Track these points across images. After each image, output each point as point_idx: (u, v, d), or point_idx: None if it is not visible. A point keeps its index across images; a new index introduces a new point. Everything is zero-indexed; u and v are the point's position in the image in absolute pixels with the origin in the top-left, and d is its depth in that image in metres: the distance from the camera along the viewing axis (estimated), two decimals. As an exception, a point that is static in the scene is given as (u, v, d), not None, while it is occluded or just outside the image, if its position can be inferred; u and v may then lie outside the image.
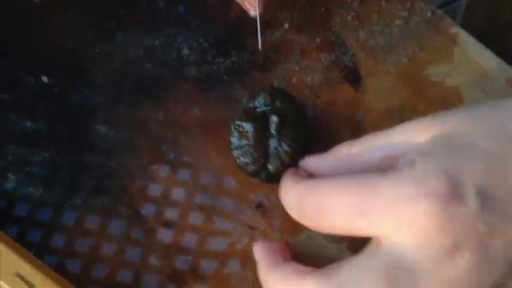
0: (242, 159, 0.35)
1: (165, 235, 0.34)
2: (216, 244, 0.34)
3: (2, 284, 0.29)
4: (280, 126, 0.35)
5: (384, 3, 0.44)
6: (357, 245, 0.30)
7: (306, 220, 0.29)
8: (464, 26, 0.43)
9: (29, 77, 0.41)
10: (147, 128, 0.39)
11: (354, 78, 0.41)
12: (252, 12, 0.41)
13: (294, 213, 0.30)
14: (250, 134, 0.35)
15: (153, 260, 0.33)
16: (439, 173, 0.27)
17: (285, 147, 0.34)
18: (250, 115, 0.36)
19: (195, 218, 0.35)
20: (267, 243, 0.32)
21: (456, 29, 0.42)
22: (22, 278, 0.29)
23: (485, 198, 0.27)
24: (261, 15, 0.40)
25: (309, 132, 0.37)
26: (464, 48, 0.41)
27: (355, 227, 0.28)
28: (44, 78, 0.41)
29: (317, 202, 0.29)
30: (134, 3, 0.45)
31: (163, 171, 0.37)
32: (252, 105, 0.36)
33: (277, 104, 0.36)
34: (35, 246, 0.33)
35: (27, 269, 0.29)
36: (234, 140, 0.35)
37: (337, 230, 0.29)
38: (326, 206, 0.28)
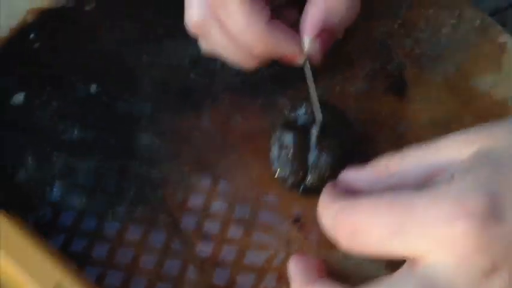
0: (281, 171, 0.35)
1: (203, 248, 0.35)
2: (253, 258, 0.34)
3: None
4: (321, 138, 0.35)
5: (431, 10, 0.43)
6: (394, 262, 0.29)
7: (341, 240, 0.29)
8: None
9: (77, 86, 0.42)
10: (190, 137, 0.40)
11: (398, 87, 0.40)
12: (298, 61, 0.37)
13: (330, 233, 0.30)
14: (290, 145, 0.35)
15: (190, 273, 0.34)
16: (477, 191, 0.27)
17: (325, 159, 0.34)
18: (291, 126, 0.36)
19: (234, 231, 0.35)
20: (303, 258, 0.32)
21: (506, 38, 0.41)
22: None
23: (525, 218, 0.26)
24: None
25: (351, 144, 0.37)
26: (514, 57, 0.40)
27: (390, 248, 0.28)
28: (93, 87, 0.42)
29: (352, 223, 0.29)
30: (181, 12, 0.46)
31: (204, 182, 0.37)
32: (293, 116, 0.36)
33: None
34: (78, 256, 0.34)
35: (67, 282, 0.30)
36: (274, 151, 0.35)
37: (372, 252, 0.29)
38: (361, 227, 0.28)
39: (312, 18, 0.36)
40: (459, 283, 0.26)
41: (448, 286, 0.26)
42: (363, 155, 0.37)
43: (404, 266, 0.28)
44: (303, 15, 0.36)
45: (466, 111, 0.38)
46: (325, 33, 0.36)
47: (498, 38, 0.41)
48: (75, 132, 0.40)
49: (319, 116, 0.35)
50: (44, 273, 0.30)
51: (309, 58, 0.36)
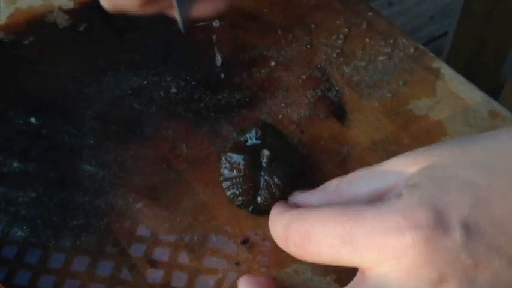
0: (231, 191, 0.35)
1: (152, 275, 0.34)
2: (203, 282, 0.34)
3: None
4: (271, 160, 0.35)
5: (367, 39, 0.45)
6: (343, 277, 0.30)
7: (292, 247, 0.29)
8: (450, 61, 0.44)
9: (17, 118, 0.41)
10: (135, 166, 0.39)
11: (339, 113, 0.42)
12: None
13: (281, 241, 0.30)
14: (241, 166, 0.35)
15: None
16: (425, 205, 0.28)
17: (276, 180, 0.35)
18: (242, 148, 0.36)
19: (183, 257, 0.35)
20: (252, 277, 0.32)
21: (438, 64, 0.43)
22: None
23: (470, 229, 0.27)
24: None
25: (298, 166, 0.37)
26: (447, 82, 0.42)
27: (341, 256, 0.28)
28: (33, 119, 0.41)
29: (304, 229, 0.29)
30: (123, 43, 0.46)
31: (150, 209, 0.37)
32: (242, 139, 0.37)
33: (268, 138, 0.36)
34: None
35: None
36: (225, 172, 0.36)
37: (322, 259, 0.29)
38: (312, 233, 0.29)
39: None
40: None
41: None
42: (308, 177, 0.38)
43: (355, 278, 0.29)
44: None
45: (404, 134, 0.40)
46: None
47: (432, 64, 0.43)
48: (15, 164, 0.39)
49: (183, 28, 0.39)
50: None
51: None
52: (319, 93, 0.43)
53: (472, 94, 0.41)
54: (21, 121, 0.41)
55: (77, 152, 0.40)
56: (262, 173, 0.35)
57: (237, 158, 0.35)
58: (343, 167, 0.38)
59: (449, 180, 0.29)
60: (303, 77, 0.44)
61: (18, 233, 0.36)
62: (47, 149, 0.40)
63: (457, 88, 0.42)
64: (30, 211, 0.37)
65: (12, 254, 0.35)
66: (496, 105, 0.41)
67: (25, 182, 0.38)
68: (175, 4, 0.37)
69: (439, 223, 0.27)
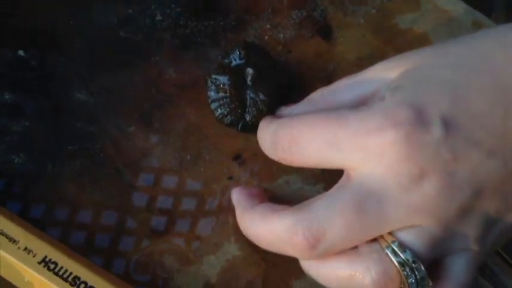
0: (220, 111, 0.36)
1: (142, 195, 0.35)
2: (197, 196, 0.35)
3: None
4: (256, 77, 0.36)
5: (350, -44, 0.45)
6: (332, 186, 0.31)
7: (280, 153, 0.31)
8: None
9: (5, 52, 0.42)
10: (125, 93, 0.40)
11: (325, 31, 0.42)
12: None
13: (269, 150, 0.31)
14: (226, 87, 0.36)
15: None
16: (405, 104, 0.28)
17: (262, 96, 0.35)
18: (226, 69, 0.37)
19: (176, 174, 0.36)
20: (244, 188, 0.33)
21: (421, -23, 0.43)
22: (6, 236, 0.30)
23: (449, 125, 0.28)
24: None
25: (284, 83, 0.38)
26: (430, -5, 0.42)
27: (327, 158, 0.29)
28: (21, 52, 0.42)
29: (291, 134, 0.30)
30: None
31: (142, 132, 0.38)
32: (227, 61, 0.37)
33: (252, 57, 0.37)
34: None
35: (10, 227, 0.30)
36: (211, 94, 0.36)
37: (309, 162, 0.30)
38: (299, 138, 0.30)
39: None
40: (390, 189, 0.28)
41: (379, 193, 0.28)
42: (296, 93, 0.39)
43: (341, 179, 0.30)
44: None
45: (389, 48, 0.40)
46: None
47: (414, -22, 0.43)
48: (6, 96, 0.39)
49: None
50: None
51: None
52: (304, 14, 0.43)
53: (455, 6, 0.42)
54: (10, 54, 0.41)
55: (66, 81, 0.40)
56: (248, 91, 0.36)
57: (222, 79, 0.36)
58: (330, 82, 0.39)
59: (429, 80, 0.29)
60: (288, -2, 0.44)
61: (15, 160, 0.37)
62: (37, 79, 0.40)
63: (440, 1, 0.42)
64: (25, 139, 0.37)
65: (6, 182, 0.36)
66: (479, 16, 0.41)
67: (17, 112, 0.39)
68: None
69: (419, 120, 0.28)
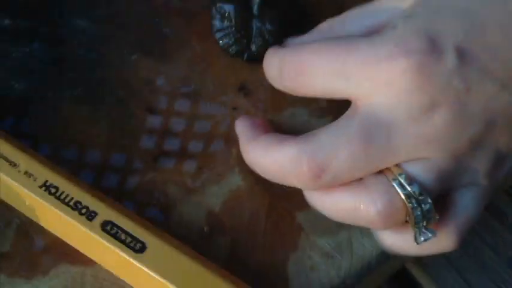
0: (225, 41, 0.35)
1: (152, 121, 0.35)
2: (201, 126, 0.34)
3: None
4: (262, 6, 0.35)
5: None
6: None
7: (287, 81, 0.30)
8: None
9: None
10: (127, 22, 0.39)
11: (334, -37, 0.40)
12: None
13: (275, 78, 0.31)
14: (232, 15, 0.35)
15: (142, 143, 0.34)
16: (418, 32, 0.27)
17: (268, 26, 0.34)
18: None
19: (181, 104, 0.35)
20: (248, 117, 0.32)
21: None
22: (6, 159, 0.29)
23: (463, 55, 0.27)
24: None
25: (292, 13, 0.37)
26: None
27: (334, 87, 0.28)
28: (20, -23, 0.40)
29: (298, 62, 0.29)
30: None
31: (145, 60, 0.37)
32: None
33: None
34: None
35: (8, 149, 0.30)
36: (216, 23, 0.35)
37: (317, 91, 0.29)
38: (307, 65, 0.29)
39: None
40: (399, 119, 0.27)
41: (388, 123, 0.27)
42: (304, 25, 0.37)
43: (348, 110, 0.29)
44: None
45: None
46: None
47: None
48: (6, 21, 0.38)
49: None
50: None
51: None
52: None
53: None
54: (8, -21, 0.40)
55: (67, 8, 0.39)
56: (254, 20, 0.35)
57: (227, 7, 0.35)
58: (340, 14, 0.37)
59: (445, 8, 0.28)
60: None
61: (15, 85, 0.36)
62: (37, 5, 0.39)
63: None
64: (25, 65, 0.37)
65: (6, 107, 0.35)
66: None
67: (17, 38, 0.38)
68: None
69: (432, 49, 0.27)
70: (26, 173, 0.29)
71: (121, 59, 0.37)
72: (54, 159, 0.32)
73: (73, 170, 0.32)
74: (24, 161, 0.30)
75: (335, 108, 0.34)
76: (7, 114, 0.35)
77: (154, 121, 0.34)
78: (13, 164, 0.29)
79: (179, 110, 0.35)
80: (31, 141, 0.33)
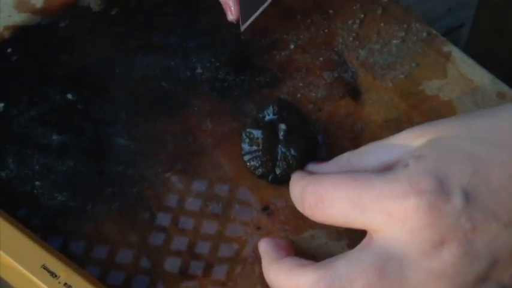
0: (252, 163, 0.38)
1: (179, 241, 0.37)
2: (227, 247, 0.37)
3: (29, 275, 0.32)
4: (287, 133, 0.38)
5: (382, 24, 0.47)
6: (356, 243, 0.32)
7: (307, 209, 0.32)
8: (468, 50, 0.46)
9: (55, 95, 0.45)
10: (163, 140, 0.42)
11: (354, 93, 0.44)
12: (230, 17, 0.43)
13: (298, 204, 0.33)
14: (260, 140, 0.38)
15: (167, 265, 0.36)
16: (429, 174, 0.30)
17: (293, 151, 0.38)
18: (260, 123, 0.39)
19: (207, 223, 0.38)
20: (272, 239, 0.35)
21: (450, 47, 0.45)
22: (48, 270, 0.32)
23: (469, 197, 0.30)
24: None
25: (314, 140, 0.40)
26: (457, 64, 0.45)
27: (351, 219, 0.31)
28: (69, 96, 0.45)
29: (318, 193, 0.32)
30: (152, 25, 0.49)
31: (178, 180, 0.40)
32: (261, 115, 0.40)
33: (284, 114, 0.40)
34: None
35: (52, 262, 0.32)
36: (245, 146, 0.39)
37: (334, 221, 0.32)
38: (325, 197, 0.31)
39: None
40: (411, 254, 0.29)
41: (400, 257, 0.29)
42: (324, 151, 0.41)
43: (364, 240, 0.31)
44: None
45: (415, 112, 0.42)
46: None
47: (443, 48, 0.45)
48: (54, 136, 0.42)
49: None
50: (29, 255, 0.32)
51: None
52: (336, 75, 0.45)
53: (481, 76, 0.44)
54: (58, 97, 0.44)
55: (110, 126, 0.43)
56: (280, 146, 0.38)
57: (256, 133, 0.39)
58: (357, 142, 0.41)
59: (452, 152, 0.31)
60: (321, 59, 0.46)
61: (58, 197, 0.39)
62: (83, 123, 0.43)
63: (466, 70, 0.44)
64: (68, 179, 0.40)
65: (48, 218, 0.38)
66: (504, 87, 0.43)
67: (63, 153, 0.41)
68: None
69: (442, 190, 0.29)
70: (65, 284, 0.32)
71: (156, 177, 0.40)
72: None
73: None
74: (65, 272, 0.32)
75: (352, 233, 0.36)
76: (49, 224, 0.38)
77: (181, 241, 0.37)
78: (54, 275, 0.32)
79: (205, 229, 0.38)
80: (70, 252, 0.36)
